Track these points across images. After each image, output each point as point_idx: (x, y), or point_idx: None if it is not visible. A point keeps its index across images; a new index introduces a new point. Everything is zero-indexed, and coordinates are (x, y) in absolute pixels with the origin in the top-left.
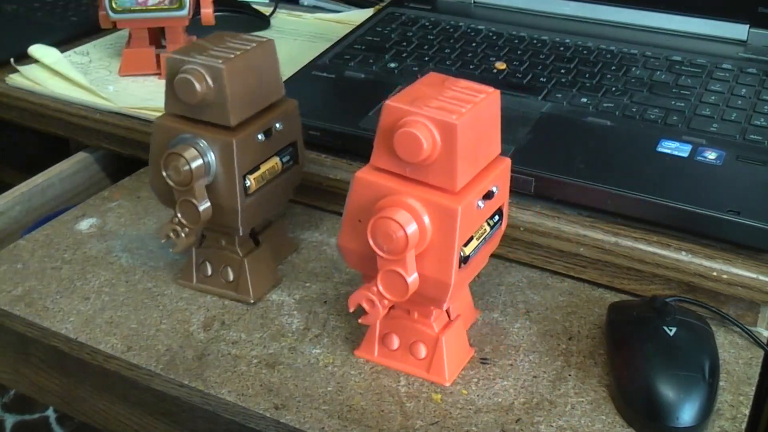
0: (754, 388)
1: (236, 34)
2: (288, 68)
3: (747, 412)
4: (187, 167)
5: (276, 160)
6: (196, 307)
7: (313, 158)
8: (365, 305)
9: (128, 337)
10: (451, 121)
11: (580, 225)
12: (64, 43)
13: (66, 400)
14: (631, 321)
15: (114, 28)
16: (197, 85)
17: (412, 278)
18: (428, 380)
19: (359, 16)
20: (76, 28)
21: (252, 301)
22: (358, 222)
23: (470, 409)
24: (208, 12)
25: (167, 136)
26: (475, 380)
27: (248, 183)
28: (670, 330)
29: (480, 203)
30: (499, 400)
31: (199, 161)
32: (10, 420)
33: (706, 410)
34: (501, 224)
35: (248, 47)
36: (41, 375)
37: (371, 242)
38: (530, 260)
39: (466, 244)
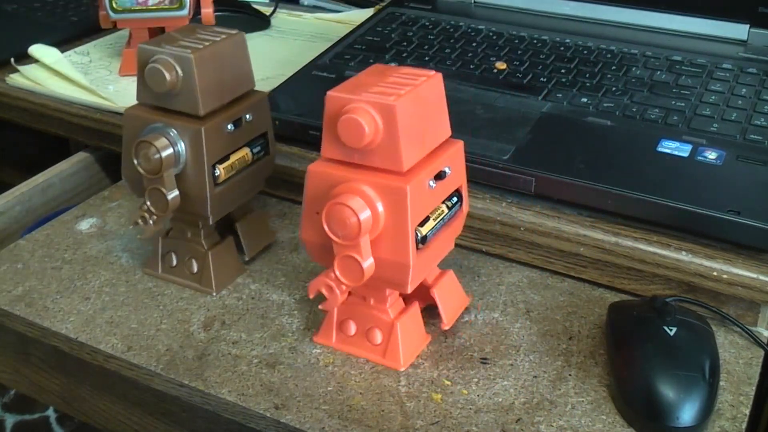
0: (754, 388)
1: (208, 26)
2: (288, 68)
3: (747, 412)
4: (157, 155)
5: (246, 150)
6: (196, 307)
7: (313, 158)
8: (324, 291)
9: (128, 336)
10: (390, 102)
11: (580, 225)
12: (64, 43)
13: (66, 400)
14: (632, 321)
15: (114, 28)
16: (167, 75)
17: (368, 263)
18: (384, 365)
19: (359, 16)
20: (76, 28)
21: (214, 294)
22: (315, 214)
23: (470, 409)
24: (208, 12)
25: (138, 125)
26: (476, 380)
27: (218, 172)
28: (671, 330)
29: (431, 183)
30: (500, 399)
31: (170, 150)
32: (10, 420)
33: (706, 410)
34: (461, 206)
35: (218, 38)
36: (41, 375)
37: (326, 228)
38: (530, 260)
39: (422, 225)
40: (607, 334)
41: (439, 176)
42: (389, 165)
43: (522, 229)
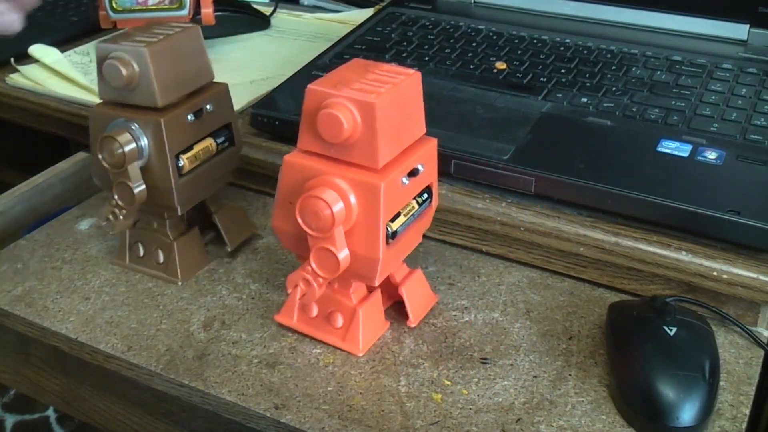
0: (754, 388)
1: (165, 23)
2: (288, 68)
3: (747, 412)
4: (120, 150)
5: (210, 141)
6: (196, 307)
7: None
8: (302, 285)
9: (128, 336)
10: (370, 100)
11: (580, 225)
12: (64, 43)
13: (66, 400)
14: (632, 321)
15: (114, 28)
16: (123, 70)
17: (343, 254)
18: (342, 349)
19: (359, 15)
20: (76, 28)
21: (180, 283)
22: (289, 204)
23: (470, 409)
24: (208, 12)
25: (103, 122)
26: (476, 380)
27: (181, 163)
28: (671, 330)
29: (404, 180)
30: (500, 399)
31: (132, 144)
32: (10, 420)
33: (706, 410)
34: (431, 202)
35: (172, 32)
36: (41, 375)
37: (300, 221)
38: (530, 260)
39: (393, 220)
40: (607, 334)
41: (412, 173)
42: (365, 161)
43: (522, 229)
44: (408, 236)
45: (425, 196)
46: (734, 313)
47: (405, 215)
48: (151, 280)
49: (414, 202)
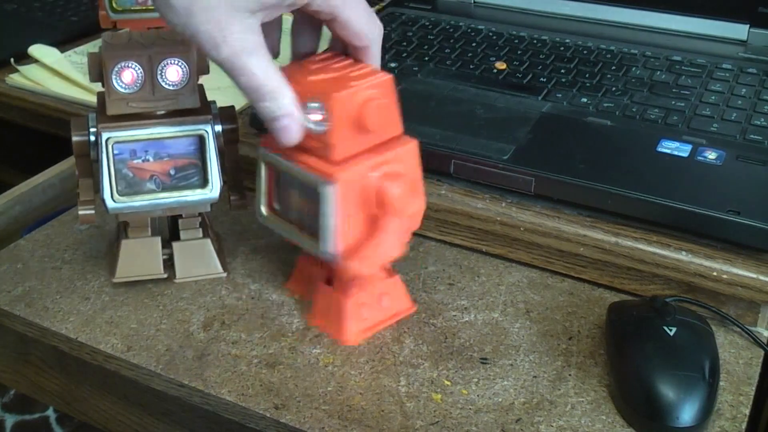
0: (754, 388)
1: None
2: None
3: (747, 412)
4: None
5: None
6: (196, 307)
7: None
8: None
9: (128, 337)
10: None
11: (580, 225)
12: (64, 43)
13: (66, 400)
14: (631, 321)
15: (114, 28)
16: None
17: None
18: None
19: None
20: (76, 28)
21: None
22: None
23: (470, 409)
24: None
25: None
26: (475, 380)
27: None
28: (670, 330)
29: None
30: (499, 400)
31: None
32: (10, 420)
33: (706, 410)
34: None
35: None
36: (41, 375)
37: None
38: (530, 260)
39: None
40: (607, 334)
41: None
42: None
43: (522, 229)
44: None
45: None
46: (734, 313)
47: None
48: (152, 280)
49: None
